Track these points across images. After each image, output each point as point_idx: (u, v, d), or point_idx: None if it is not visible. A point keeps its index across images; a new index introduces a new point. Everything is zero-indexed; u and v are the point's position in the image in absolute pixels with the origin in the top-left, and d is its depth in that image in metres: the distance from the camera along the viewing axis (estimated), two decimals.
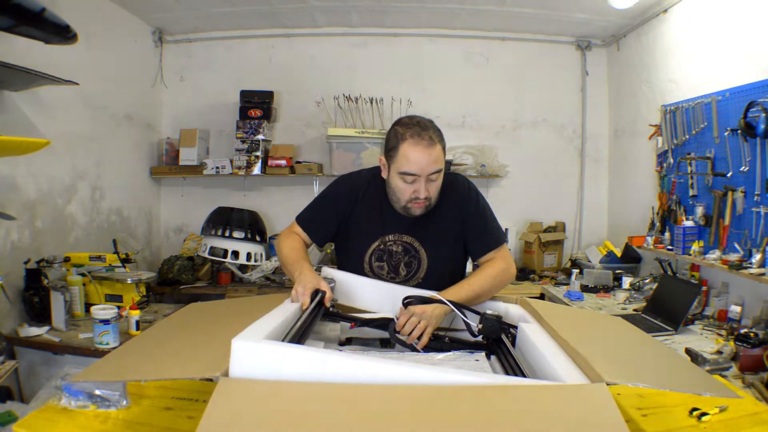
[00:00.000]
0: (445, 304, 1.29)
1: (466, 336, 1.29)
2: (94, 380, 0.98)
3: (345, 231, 1.63)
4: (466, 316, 1.28)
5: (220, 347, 0.95)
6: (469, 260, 1.73)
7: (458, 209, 1.58)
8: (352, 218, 1.61)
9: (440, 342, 1.25)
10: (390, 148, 1.48)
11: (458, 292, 1.38)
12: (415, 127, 1.44)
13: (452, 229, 1.58)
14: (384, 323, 1.29)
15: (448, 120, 4.03)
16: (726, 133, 2.57)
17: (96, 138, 3.13)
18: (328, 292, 1.29)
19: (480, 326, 1.23)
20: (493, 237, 1.60)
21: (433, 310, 1.28)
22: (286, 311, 1.13)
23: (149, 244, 3.86)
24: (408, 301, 1.29)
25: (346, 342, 1.30)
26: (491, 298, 1.46)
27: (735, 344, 2.05)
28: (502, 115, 4.08)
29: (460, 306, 1.30)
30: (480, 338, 1.25)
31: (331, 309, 1.30)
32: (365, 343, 1.30)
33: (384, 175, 1.54)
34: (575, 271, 3.38)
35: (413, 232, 1.57)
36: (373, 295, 1.44)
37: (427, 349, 1.23)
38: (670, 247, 2.94)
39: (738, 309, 2.48)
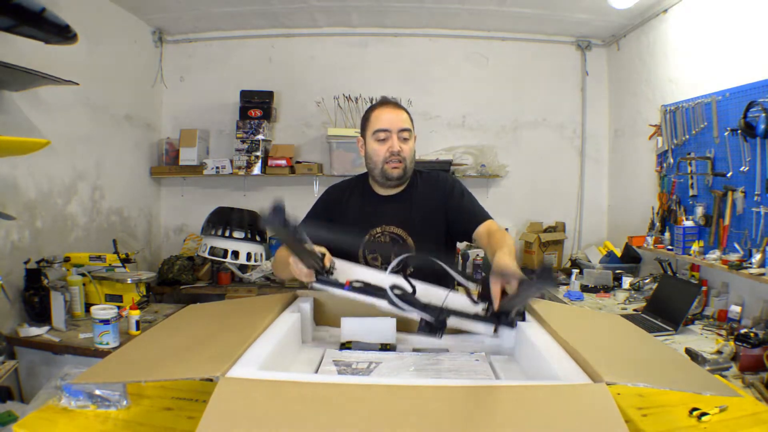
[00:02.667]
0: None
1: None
2: (95, 381, 0.98)
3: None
4: (464, 278, 1.26)
5: (219, 348, 0.95)
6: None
7: (440, 198, 1.67)
8: (342, 220, 1.68)
9: (438, 310, 1.16)
10: (363, 122, 1.69)
11: (509, 255, 1.29)
12: (381, 100, 1.69)
13: (436, 218, 1.66)
14: (377, 292, 1.23)
15: (448, 120, 4.04)
16: (726, 133, 2.57)
17: (96, 138, 3.14)
18: (328, 253, 1.28)
19: (479, 289, 1.18)
20: (481, 213, 1.64)
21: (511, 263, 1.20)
22: (277, 334, 1.09)
23: (149, 244, 3.86)
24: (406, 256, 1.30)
25: (346, 345, 1.30)
26: None
27: (735, 344, 2.05)
28: (502, 115, 4.08)
29: (459, 272, 1.29)
30: (480, 309, 1.19)
31: (331, 272, 1.28)
32: (365, 348, 1.29)
33: (362, 153, 1.69)
34: (575, 271, 3.38)
35: (398, 223, 1.65)
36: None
37: (430, 328, 1.15)
38: (670, 247, 2.94)
39: (738, 309, 2.48)
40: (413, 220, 1.65)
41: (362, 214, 1.69)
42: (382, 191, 1.70)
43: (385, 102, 1.66)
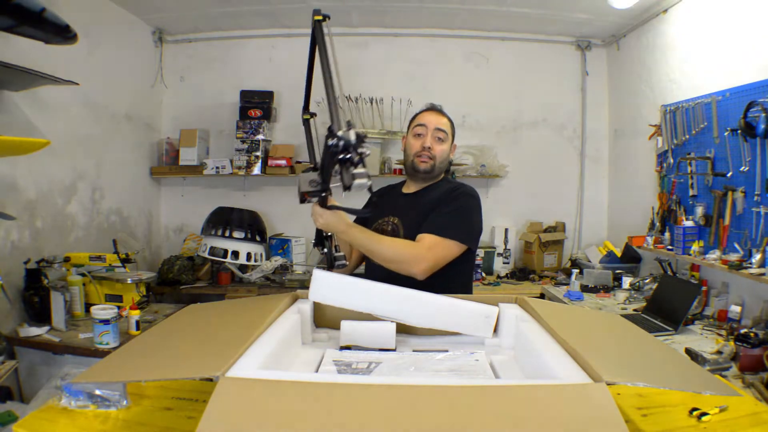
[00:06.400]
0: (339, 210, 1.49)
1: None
2: (95, 381, 0.98)
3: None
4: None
5: (219, 348, 0.95)
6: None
7: (436, 201, 1.73)
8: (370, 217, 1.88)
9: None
10: (409, 122, 1.86)
11: (362, 230, 1.60)
12: (427, 105, 1.85)
13: (427, 215, 1.71)
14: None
15: None
16: (726, 133, 2.57)
17: (96, 138, 3.14)
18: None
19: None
20: (442, 225, 1.64)
21: (327, 217, 1.49)
22: (277, 334, 1.09)
23: (149, 244, 3.86)
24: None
25: (346, 348, 1.30)
26: (476, 299, 1.38)
27: (735, 344, 2.05)
28: (502, 115, 4.08)
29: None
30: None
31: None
32: (365, 350, 1.29)
33: (403, 149, 1.86)
34: (575, 271, 3.38)
35: (399, 214, 1.77)
36: (363, 296, 1.39)
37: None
38: (670, 247, 2.94)
39: (738, 309, 2.49)
40: (409, 214, 1.74)
41: (383, 206, 1.85)
42: (410, 188, 1.85)
43: (430, 107, 1.83)
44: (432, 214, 1.68)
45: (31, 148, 2.26)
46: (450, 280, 1.67)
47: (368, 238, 1.59)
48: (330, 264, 1.58)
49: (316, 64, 1.39)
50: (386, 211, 1.83)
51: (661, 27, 3.30)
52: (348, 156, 1.19)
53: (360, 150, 1.21)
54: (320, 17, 1.38)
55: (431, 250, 1.60)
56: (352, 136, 1.20)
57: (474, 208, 1.73)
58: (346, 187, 1.20)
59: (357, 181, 1.20)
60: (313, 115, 1.83)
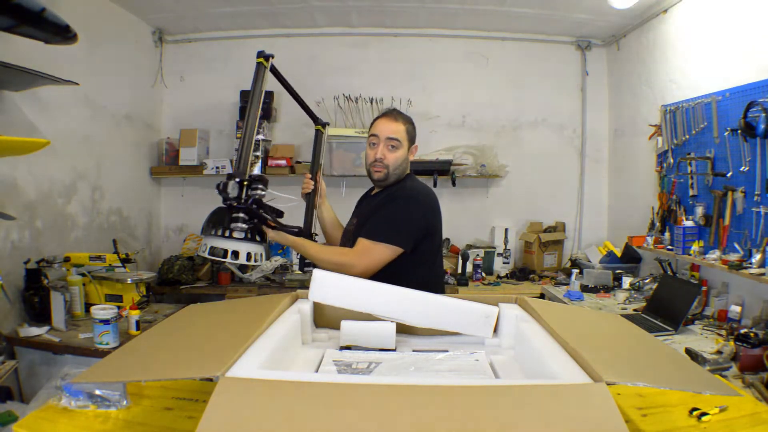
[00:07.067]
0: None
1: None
2: (95, 381, 0.98)
3: None
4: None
5: (220, 347, 0.95)
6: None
7: (379, 204, 1.81)
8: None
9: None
10: (369, 129, 1.92)
11: (304, 243, 1.77)
12: (385, 110, 1.92)
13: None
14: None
15: (448, 120, 4.04)
16: (726, 133, 2.57)
17: (96, 138, 3.14)
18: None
19: None
20: (373, 229, 1.74)
21: (272, 235, 1.72)
22: (277, 334, 1.10)
23: (149, 244, 3.86)
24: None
25: (346, 348, 1.30)
26: (476, 299, 1.39)
27: (735, 344, 2.05)
28: (502, 115, 4.08)
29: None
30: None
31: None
32: (365, 350, 1.29)
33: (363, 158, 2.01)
34: (575, 271, 3.38)
35: (358, 215, 1.92)
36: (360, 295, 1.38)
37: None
38: (670, 247, 2.94)
39: (738, 309, 2.48)
40: (362, 216, 1.87)
41: (356, 208, 2.04)
42: (374, 191, 1.98)
43: (386, 112, 1.89)
44: (370, 218, 1.79)
45: (31, 148, 2.26)
46: (402, 282, 1.47)
47: (308, 249, 1.76)
48: (302, 265, 1.71)
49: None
50: (356, 212, 1.99)
51: (661, 27, 3.30)
52: (229, 204, 1.37)
53: (253, 192, 1.41)
54: (261, 59, 1.51)
55: (361, 255, 1.71)
56: (230, 190, 1.42)
57: (409, 210, 1.75)
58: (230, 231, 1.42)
59: (233, 224, 1.41)
60: (325, 125, 1.92)
